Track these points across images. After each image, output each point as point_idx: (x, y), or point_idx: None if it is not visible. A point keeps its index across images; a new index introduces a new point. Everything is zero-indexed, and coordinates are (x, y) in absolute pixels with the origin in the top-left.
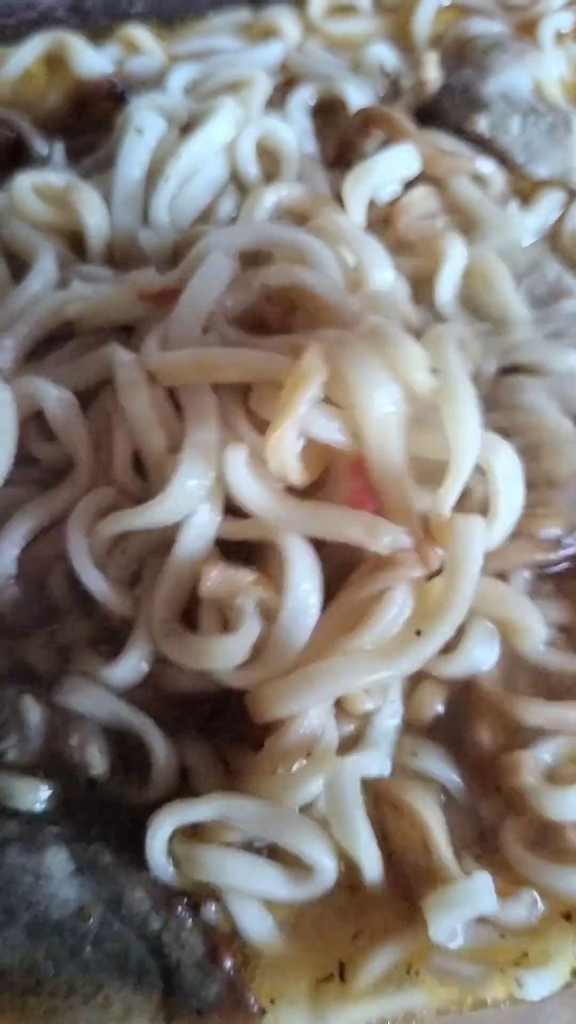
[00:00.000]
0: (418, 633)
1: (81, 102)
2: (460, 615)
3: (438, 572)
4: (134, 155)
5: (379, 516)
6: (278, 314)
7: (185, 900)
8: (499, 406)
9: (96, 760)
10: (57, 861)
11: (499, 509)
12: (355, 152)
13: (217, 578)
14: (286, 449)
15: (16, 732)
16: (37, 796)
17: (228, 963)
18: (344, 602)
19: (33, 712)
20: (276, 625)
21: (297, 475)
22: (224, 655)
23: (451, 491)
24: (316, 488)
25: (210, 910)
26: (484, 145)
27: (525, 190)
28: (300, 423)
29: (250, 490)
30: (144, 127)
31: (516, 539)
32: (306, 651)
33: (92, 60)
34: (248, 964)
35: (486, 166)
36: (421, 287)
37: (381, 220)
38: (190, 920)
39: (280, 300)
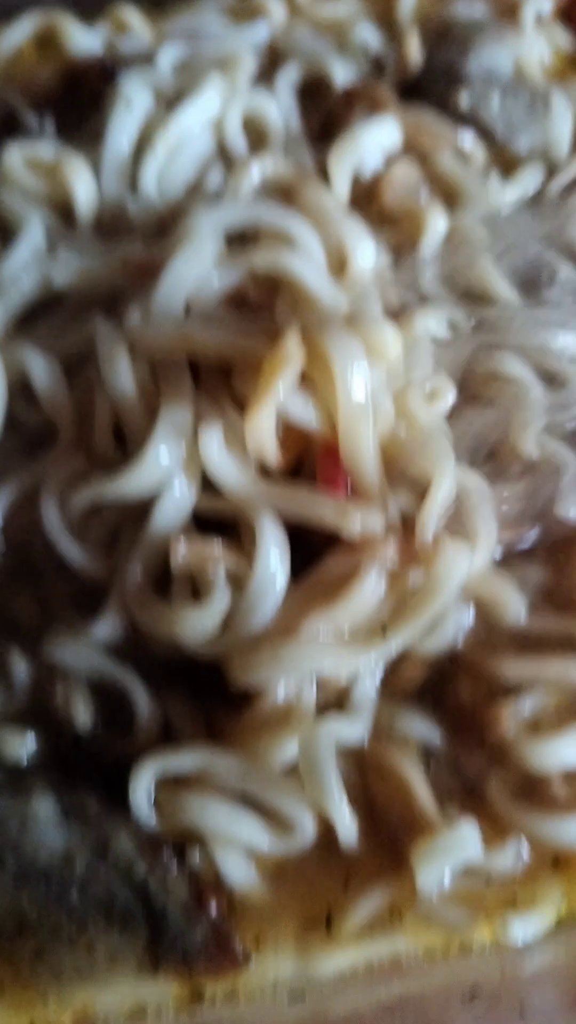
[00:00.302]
0: (383, 630)
1: (72, 80)
2: (427, 623)
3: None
4: (122, 127)
5: (351, 498)
6: (261, 294)
7: (170, 846)
8: (476, 376)
9: (80, 713)
10: (43, 807)
11: (479, 532)
12: (340, 127)
13: (185, 550)
14: (263, 431)
15: (2, 684)
16: (24, 746)
17: (213, 908)
18: (317, 575)
19: (19, 665)
20: (243, 597)
21: (274, 457)
22: (194, 626)
23: (430, 516)
24: (293, 472)
25: (195, 856)
26: (466, 121)
27: (506, 165)
28: (277, 405)
29: (224, 468)
30: (133, 100)
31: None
32: (276, 621)
33: (83, 39)
34: (234, 910)
35: (467, 139)
36: (404, 257)
37: (365, 194)
38: (175, 866)
39: (264, 281)
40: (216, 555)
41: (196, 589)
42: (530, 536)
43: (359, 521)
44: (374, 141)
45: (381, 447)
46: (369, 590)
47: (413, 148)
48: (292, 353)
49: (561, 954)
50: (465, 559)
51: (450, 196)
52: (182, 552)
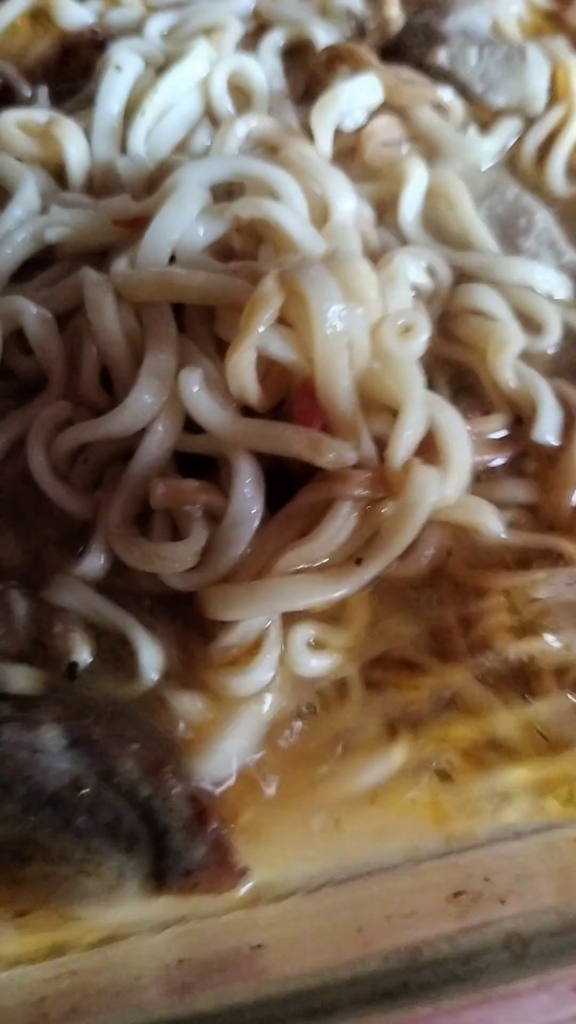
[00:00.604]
0: (358, 562)
1: (65, 52)
2: (401, 549)
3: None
4: (113, 90)
5: (326, 433)
6: (245, 244)
7: (172, 768)
8: (453, 313)
9: (78, 647)
10: (51, 737)
11: (452, 458)
12: (323, 87)
13: (164, 489)
14: (244, 370)
15: (3, 623)
16: (29, 681)
17: (214, 825)
18: (290, 509)
19: (19, 604)
20: (219, 530)
21: (255, 397)
22: (173, 560)
23: (399, 441)
24: (276, 412)
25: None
26: (445, 77)
27: (484, 120)
28: (257, 344)
29: (204, 408)
30: (123, 64)
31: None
32: (252, 554)
33: (75, 13)
34: (234, 827)
35: (446, 94)
36: (387, 210)
37: (348, 149)
38: (178, 787)
39: (248, 231)
40: (193, 493)
41: (176, 525)
42: (507, 454)
43: (332, 452)
44: (356, 98)
45: (358, 383)
46: (341, 523)
47: (393, 105)
48: (271, 293)
49: (546, 855)
50: (435, 484)
51: (431, 152)
52: (160, 492)
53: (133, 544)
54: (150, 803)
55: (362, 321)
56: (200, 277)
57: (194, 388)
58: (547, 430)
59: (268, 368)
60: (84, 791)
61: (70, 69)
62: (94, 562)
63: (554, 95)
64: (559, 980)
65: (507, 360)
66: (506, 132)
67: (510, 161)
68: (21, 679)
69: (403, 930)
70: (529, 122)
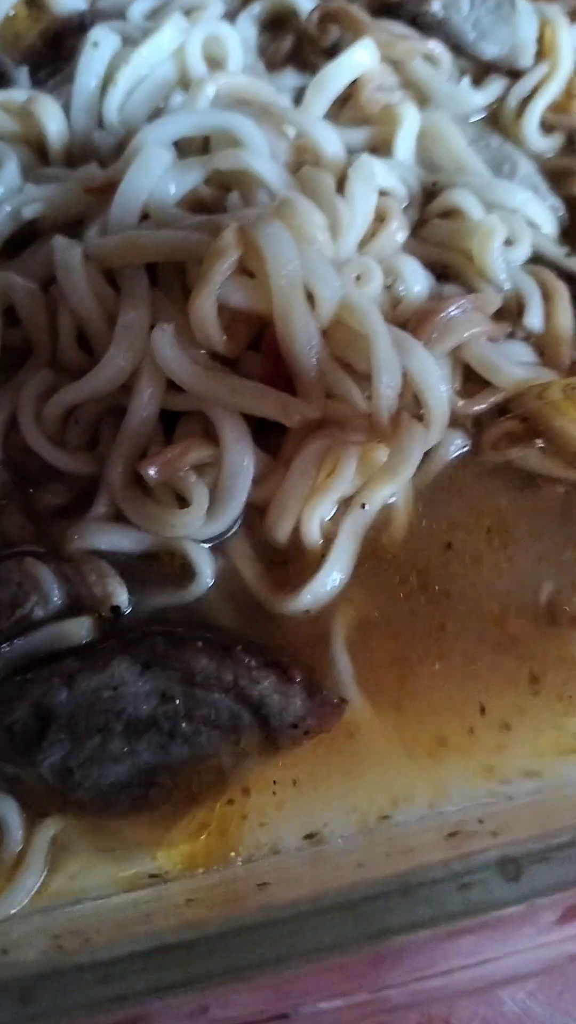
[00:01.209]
0: (363, 507)
1: (57, 37)
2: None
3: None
4: (90, 66)
5: (289, 380)
6: (214, 195)
7: (241, 646)
8: (429, 219)
9: (117, 589)
10: (123, 668)
11: (431, 407)
12: (313, 47)
13: (157, 469)
14: (205, 317)
15: (33, 592)
16: (81, 631)
17: (298, 677)
18: (303, 460)
19: (40, 569)
20: (219, 485)
21: (220, 343)
22: (182, 527)
23: (380, 404)
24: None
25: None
26: (438, 28)
27: (475, 74)
28: (217, 292)
29: (177, 365)
30: (100, 41)
31: (470, 315)
32: (285, 505)
33: (67, 1)
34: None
35: (437, 47)
36: (381, 153)
37: (343, 94)
38: (253, 659)
39: (215, 182)
40: (181, 458)
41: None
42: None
43: (298, 415)
44: (353, 69)
45: (329, 334)
46: (348, 475)
47: (387, 59)
48: (228, 245)
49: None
50: (422, 438)
51: (422, 100)
52: (154, 474)
53: (142, 508)
54: (237, 684)
55: (325, 273)
56: (162, 236)
57: (166, 345)
58: (535, 318)
59: (234, 315)
60: (175, 701)
61: (60, 54)
62: (99, 511)
63: (541, 54)
64: (546, 907)
65: (495, 249)
66: (495, 88)
67: (493, 118)
68: (76, 631)
69: (401, 864)
70: (514, 76)
